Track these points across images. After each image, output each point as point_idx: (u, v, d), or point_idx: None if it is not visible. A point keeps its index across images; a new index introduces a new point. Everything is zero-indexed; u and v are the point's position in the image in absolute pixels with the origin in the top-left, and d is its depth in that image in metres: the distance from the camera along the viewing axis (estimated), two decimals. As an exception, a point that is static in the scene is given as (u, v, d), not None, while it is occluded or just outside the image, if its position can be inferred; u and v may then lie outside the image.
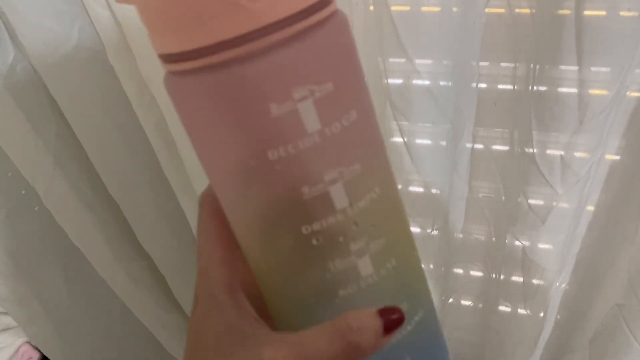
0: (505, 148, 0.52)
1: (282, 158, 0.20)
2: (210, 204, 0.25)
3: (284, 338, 0.22)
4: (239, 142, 0.20)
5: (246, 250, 0.24)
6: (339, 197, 0.21)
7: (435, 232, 0.55)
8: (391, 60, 0.45)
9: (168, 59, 0.20)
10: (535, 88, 0.43)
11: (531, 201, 0.49)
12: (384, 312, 0.22)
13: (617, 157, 0.51)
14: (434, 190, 0.53)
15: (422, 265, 0.27)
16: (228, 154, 0.21)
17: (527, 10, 0.42)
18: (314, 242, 0.22)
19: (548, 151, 0.46)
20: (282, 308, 0.25)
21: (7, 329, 0.82)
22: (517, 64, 0.45)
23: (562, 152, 0.45)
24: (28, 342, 0.81)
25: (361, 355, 0.21)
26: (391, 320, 0.22)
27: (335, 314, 0.22)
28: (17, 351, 0.80)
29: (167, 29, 0.19)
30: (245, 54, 0.19)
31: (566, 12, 0.41)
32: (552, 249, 0.53)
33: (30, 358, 0.79)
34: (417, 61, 0.44)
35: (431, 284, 0.61)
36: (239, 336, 0.22)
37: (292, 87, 0.19)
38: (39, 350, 0.78)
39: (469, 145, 0.52)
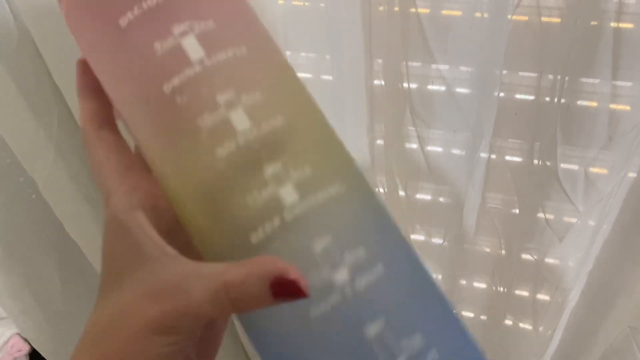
0: (522, 160, 0.50)
1: (131, 22, 0.22)
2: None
3: (186, 265, 0.21)
4: (95, 18, 0.23)
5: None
6: (194, 49, 0.22)
7: (445, 243, 0.53)
8: (413, 64, 0.43)
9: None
10: (562, 100, 0.41)
11: (549, 216, 0.48)
12: (275, 282, 0.19)
13: (634, 175, 0.49)
14: (446, 200, 0.51)
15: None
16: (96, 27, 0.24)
17: (557, 20, 0.41)
18: (178, 100, 0.22)
19: (571, 166, 0.44)
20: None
21: (-3, 320, 0.80)
22: (541, 74, 0.44)
23: (586, 168, 0.43)
24: (18, 334, 0.79)
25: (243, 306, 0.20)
26: (281, 288, 0.20)
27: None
28: (6, 343, 0.78)
29: None
30: None
31: (594, 23, 0.39)
32: (567, 267, 0.51)
33: (20, 350, 0.78)
34: (440, 67, 0.43)
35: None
36: (141, 260, 0.22)
37: None
38: (29, 343, 0.77)
39: (485, 155, 0.51)
